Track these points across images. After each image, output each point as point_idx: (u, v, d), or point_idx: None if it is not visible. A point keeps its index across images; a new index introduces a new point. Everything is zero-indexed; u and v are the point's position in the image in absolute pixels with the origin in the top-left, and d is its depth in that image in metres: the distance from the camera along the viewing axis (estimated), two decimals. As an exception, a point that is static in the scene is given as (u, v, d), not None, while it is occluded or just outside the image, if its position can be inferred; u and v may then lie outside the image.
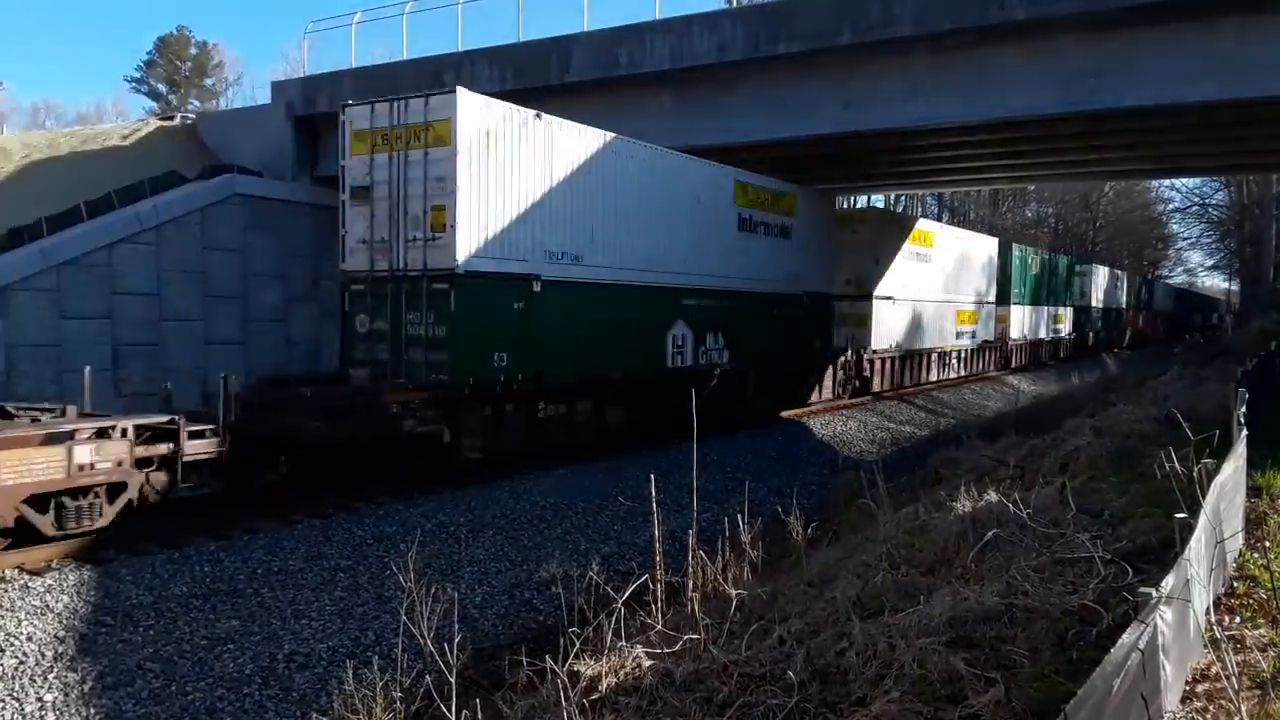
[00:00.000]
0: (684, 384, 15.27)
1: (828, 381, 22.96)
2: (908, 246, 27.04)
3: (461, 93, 13.04)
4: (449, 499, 12.06)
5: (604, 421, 15.48)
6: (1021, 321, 37.22)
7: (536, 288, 13.89)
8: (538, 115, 14.20)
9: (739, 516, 7.93)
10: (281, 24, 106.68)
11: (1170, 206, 70.02)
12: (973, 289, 31.93)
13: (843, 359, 23.72)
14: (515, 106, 14.03)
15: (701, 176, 18.03)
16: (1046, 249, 58.36)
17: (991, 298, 33.70)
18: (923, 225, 29.46)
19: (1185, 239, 72.95)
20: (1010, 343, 35.84)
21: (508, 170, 13.49)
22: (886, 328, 25.50)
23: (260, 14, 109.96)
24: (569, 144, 14.74)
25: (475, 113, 13.08)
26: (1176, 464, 6.28)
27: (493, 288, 13.15)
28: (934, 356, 28.69)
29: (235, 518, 10.30)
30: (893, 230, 26.92)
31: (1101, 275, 51.41)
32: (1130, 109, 16.00)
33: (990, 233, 50.61)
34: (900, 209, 55.72)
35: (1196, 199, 58.55)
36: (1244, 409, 9.73)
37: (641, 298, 16.09)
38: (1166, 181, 58.61)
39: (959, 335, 30.57)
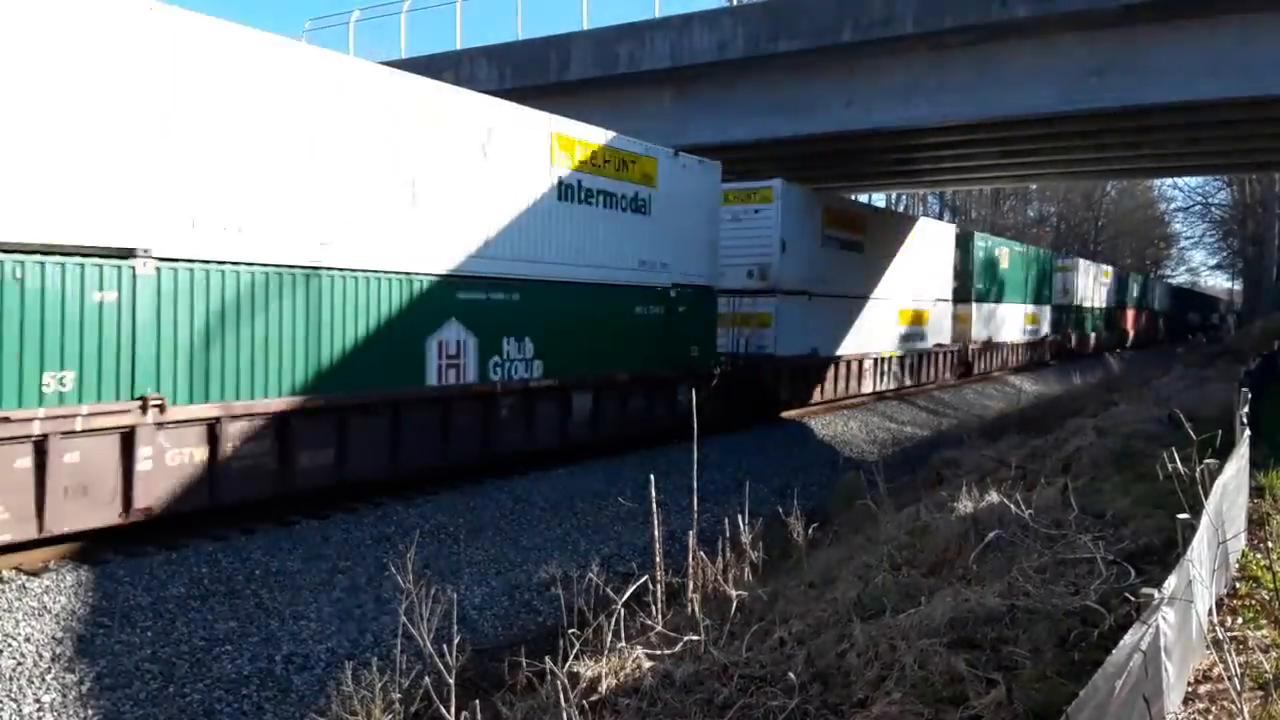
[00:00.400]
0: (465, 408, 12.65)
1: (717, 399, 17.61)
2: (831, 233, 22.52)
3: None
4: (448, 500, 12.04)
5: (291, 470, 10.48)
6: (987, 321, 32.89)
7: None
8: None
9: (739, 517, 7.90)
10: (281, 23, 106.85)
11: (1173, 205, 70.14)
12: (922, 284, 27.61)
13: (732, 368, 19.21)
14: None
15: (481, 119, 12.80)
16: (1047, 245, 58.06)
17: (948, 295, 29.63)
18: (853, 208, 25.38)
19: (1188, 238, 73.03)
20: (971, 346, 31.38)
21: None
22: (799, 329, 20.94)
23: (259, 13, 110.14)
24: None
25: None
26: (1179, 464, 6.25)
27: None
28: (867, 364, 24.27)
29: (233, 518, 10.27)
30: (809, 212, 21.73)
31: (1087, 271, 47.27)
32: (1132, 107, 16.00)
33: (993, 232, 50.17)
34: (901, 208, 55.69)
35: (1199, 198, 58.63)
36: (1247, 409, 9.71)
37: (370, 290, 11.33)
38: (1169, 180, 58.63)
39: (904, 338, 26.42)
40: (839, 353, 22.83)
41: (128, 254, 8.95)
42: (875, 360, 24.71)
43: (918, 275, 27.19)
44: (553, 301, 14.00)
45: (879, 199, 50.02)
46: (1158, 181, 66.11)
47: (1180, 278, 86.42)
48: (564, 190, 14.37)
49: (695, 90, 19.18)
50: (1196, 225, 64.97)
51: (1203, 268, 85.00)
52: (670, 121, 19.43)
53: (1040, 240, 66.75)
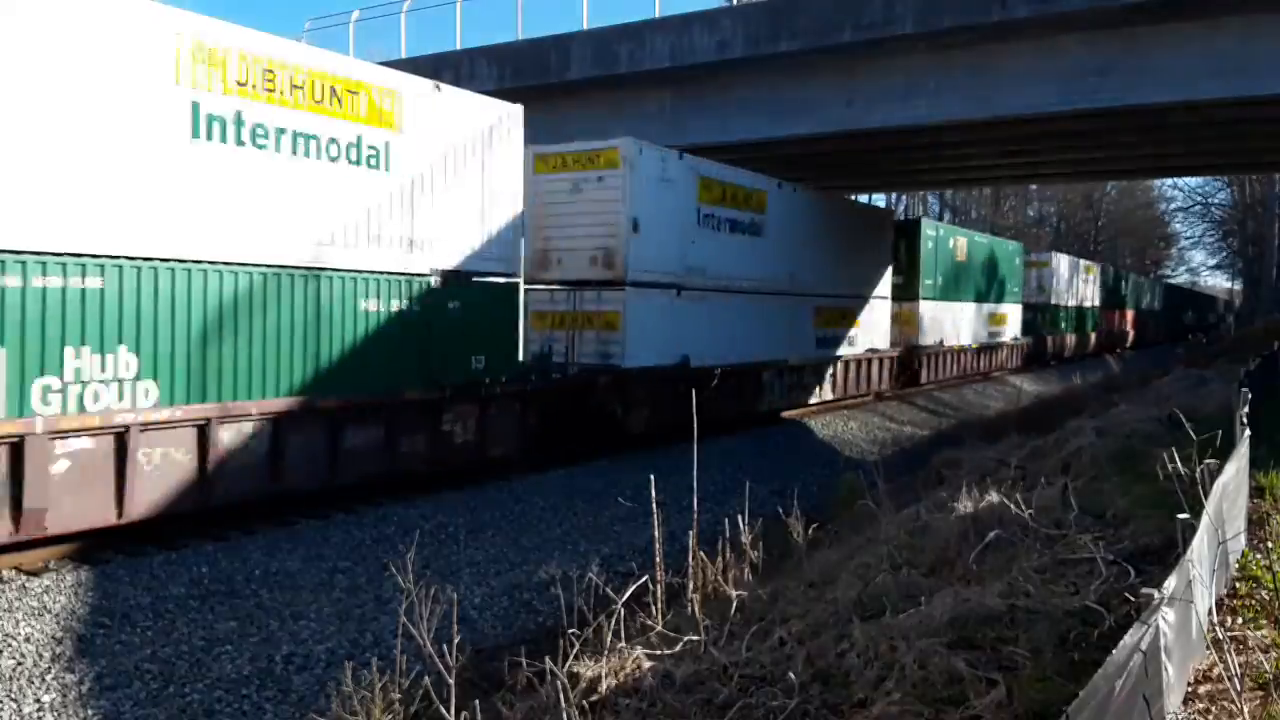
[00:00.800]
0: None
1: (508, 427, 13.22)
2: (718, 210, 17.65)
3: None
4: (448, 500, 12.04)
5: None
6: (939, 323, 28.21)
7: None
8: None
9: (739, 517, 7.90)
10: (281, 23, 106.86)
11: (1173, 206, 70.19)
12: (850, 277, 23.30)
13: (549, 384, 14.49)
14: None
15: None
16: (1047, 245, 57.36)
17: (886, 291, 25.49)
18: (747, 180, 18.94)
19: (1188, 238, 73.08)
20: (922, 352, 27.20)
21: None
22: (661, 333, 16.21)
23: (259, 13, 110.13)
24: None
25: None
26: (1179, 465, 6.25)
27: None
28: (765, 375, 19.48)
29: (234, 518, 10.27)
30: (677, 181, 16.55)
31: (1064, 266, 42.52)
32: (1133, 107, 16.00)
33: (992, 232, 49.53)
34: (902, 208, 55.67)
35: (1199, 198, 58.73)
36: (1247, 409, 9.71)
37: None
38: (1169, 181, 58.66)
39: (823, 341, 22.02)
40: (726, 362, 17.77)
41: None
42: (779, 370, 20.01)
43: (846, 266, 22.94)
44: (183, 291, 9.44)
45: (879, 199, 50.09)
46: (1158, 182, 66.19)
47: (1180, 278, 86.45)
48: (207, 124, 9.60)
49: (695, 90, 19.18)
50: (1196, 225, 65.13)
51: (1202, 268, 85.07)
52: (670, 122, 19.43)
53: (1040, 241, 66.65)
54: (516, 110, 13.44)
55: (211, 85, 9.59)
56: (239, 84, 9.83)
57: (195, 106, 9.47)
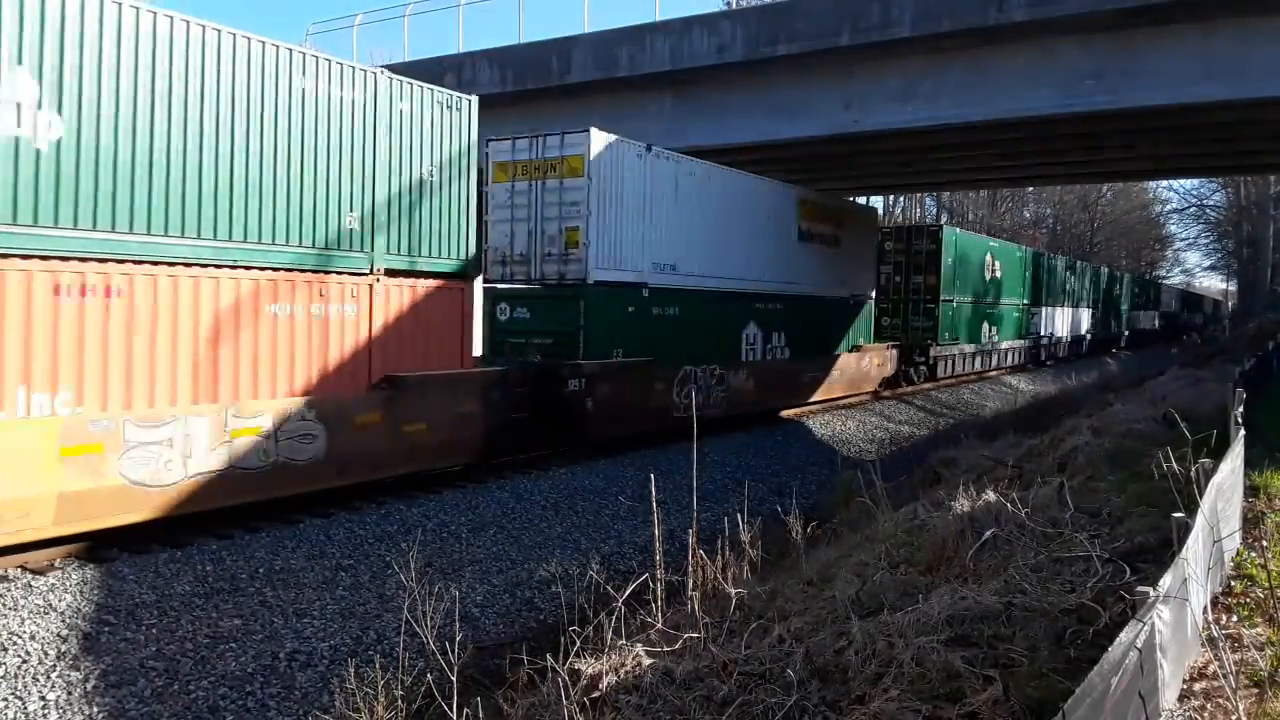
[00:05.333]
0: None
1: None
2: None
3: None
4: (450, 498, 12.09)
5: None
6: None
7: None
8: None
9: (739, 516, 7.96)
10: (282, 25, 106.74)
11: (1168, 207, 70.38)
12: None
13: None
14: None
15: None
16: (1043, 247, 55.95)
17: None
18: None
19: (1183, 240, 73.28)
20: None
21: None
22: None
23: (261, 15, 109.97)
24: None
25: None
26: (1174, 464, 6.32)
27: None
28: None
29: (237, 517, 10.32)
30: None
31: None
32: (1129, 110, 16.07)
33: (989, 233, 48.36)
34: (899, 210, 55.71)
35: (1194, 200, 58.86)
36: (1241, 409, 9.78)
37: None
38: (1164, 182, 58.81)
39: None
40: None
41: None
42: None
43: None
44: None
45: (877, 201, 50.09)
46: (1153, 184, 66.37)
47: (1175, 278, 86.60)
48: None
49: (695, 93, 19.24)
50: (1191, 227, 65.32)
51: (1197, 269, 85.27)
52: (670, 124, 19.49)
53: (1036, 243, 66.66)
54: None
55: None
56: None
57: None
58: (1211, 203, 59.10)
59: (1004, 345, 35.14)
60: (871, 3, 16.57)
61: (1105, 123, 17.70)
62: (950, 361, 29.86)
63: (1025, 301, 37.14)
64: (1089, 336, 47.03)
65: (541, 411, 14.23)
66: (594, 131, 14.98)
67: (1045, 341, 40.26)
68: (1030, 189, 67.58)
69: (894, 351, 26.64)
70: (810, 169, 25.00)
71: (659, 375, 16.42)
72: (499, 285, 15.89)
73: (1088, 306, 47.07)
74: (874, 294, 25.73)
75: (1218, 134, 19.95)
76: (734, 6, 20.04)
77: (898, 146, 20.94)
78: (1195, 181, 54.88)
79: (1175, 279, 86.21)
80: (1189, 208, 61.05)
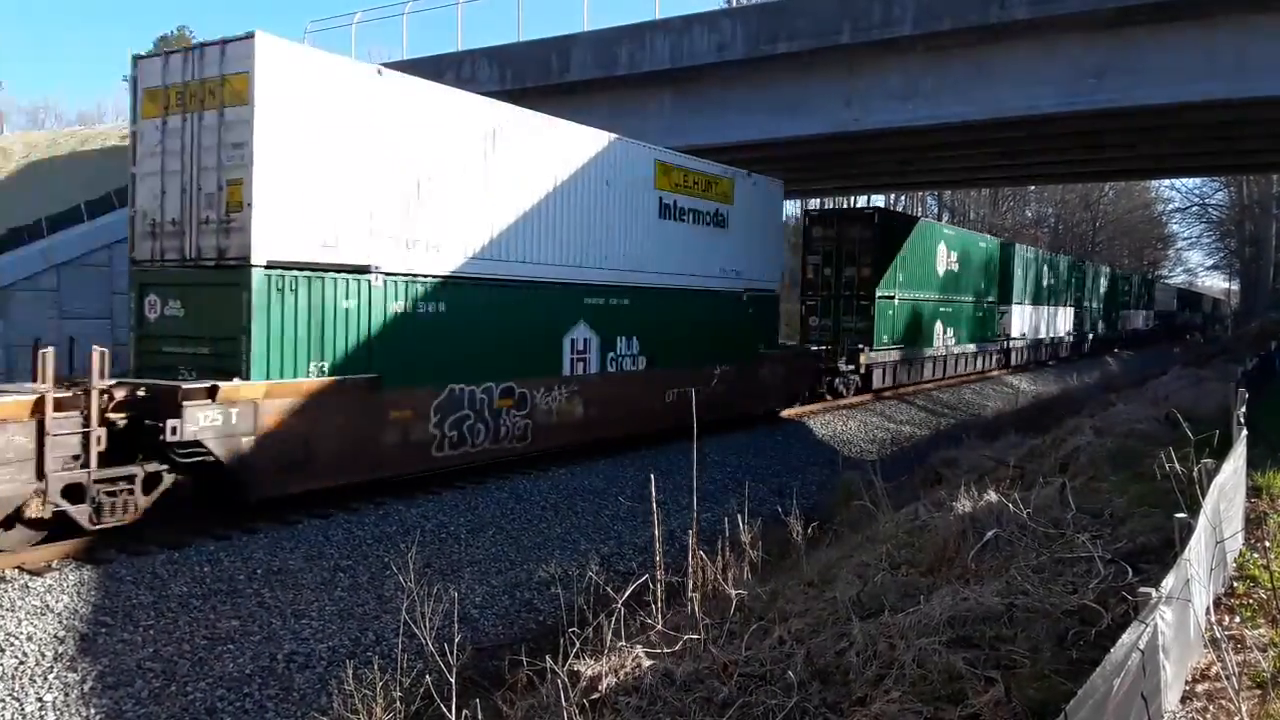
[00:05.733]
0: None
1: None
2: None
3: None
4: (449, 499, 12.06)
5: None
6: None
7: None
8: None
9: (739, 516, 7.93)
10: (282, 24, 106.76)
11: (1170, 206, 70.26)
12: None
13: None
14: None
15: None
16: (1045, 246, 54.82)
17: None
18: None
19: (1185, 239, 73.20)
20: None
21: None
22: None
23: (261, 14, 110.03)
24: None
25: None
26: (1176, 464, 6.29)
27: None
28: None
29: (235, 517, 10.29)
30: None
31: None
32: (1131, 108, 16.03)
33: (991, 233, 46.82)
34: (900, 208, 55.64)
35: (1196, 199, 58.76)
36: (1244, 409, 9.74)
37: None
38: (1166, 181, 58.73)
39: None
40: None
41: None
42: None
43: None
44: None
45: (878, 200, 50.06)
46: (1155, 182, 66.28)
47: (1178, 278, 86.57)
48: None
49: (695, 91, 19.20)
50: (1194, 226, 65.21)
51: (1199, 268, 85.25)
52: (670, 122, 19.46)
53: (1038, 242, 66.59)
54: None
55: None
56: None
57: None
58: (1214, 202, 59.06)
59: (963, 349, 29.78)
60: (872, 1, 16.53)
61: (1107, 121, 17.65)
62: (889, 370, 24.87)
63: (991, 299, 32.45)
64: (1071, 338, 42.40)
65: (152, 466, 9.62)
66: (264, 37, 10.19)
67: (1018, 344, 35.45)
68: (1032, 188, 67.52)
69: (810, 359, 21.84)
70: (811, 168, 24.96)
71: (402, 401, 11.74)
72: (146, 266, 11.05)
73: (1069, 305, 42.24)
74: (779, 287, 20.79)
75: (1220, 132, 19.90)
76: (734, 4, 19.91)
77: (899, 145, 20.90)
78: (1197, 180, 54.81)
79: (1178, 278, 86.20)
80: (1191, 206, 61.00)
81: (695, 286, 17.43)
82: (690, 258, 17.24)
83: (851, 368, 23.28)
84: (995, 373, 33.18)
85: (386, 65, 14.16)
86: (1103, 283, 49.01)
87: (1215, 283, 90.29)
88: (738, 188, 18.63)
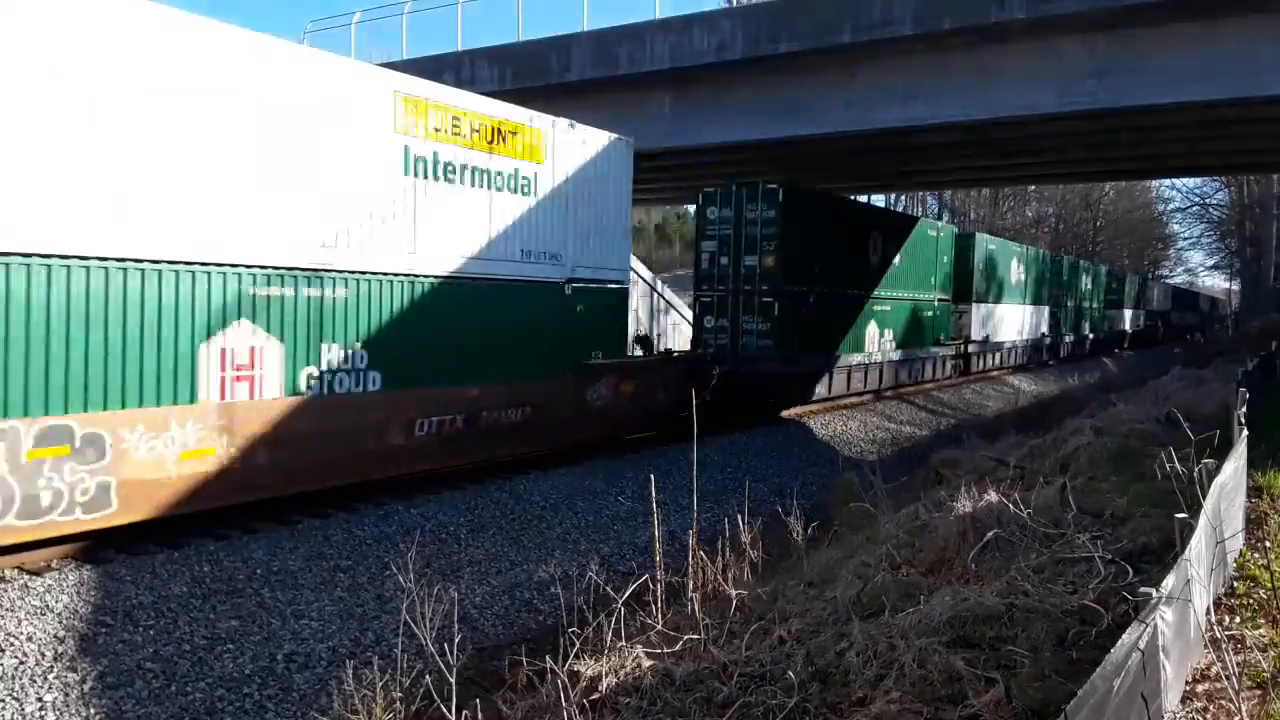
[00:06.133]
0: None
1: None
2: None
3: None
4: (449, 499, 12.06)
5: None
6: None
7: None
8: None
9: (739, 516, 7.93)
10: (282, 24, 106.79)
11: (1171, 206, 70.26)
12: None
13: None
14: None
15: None
16: (1045, 245, 52.89)
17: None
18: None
19: (1186, 239, 73.20)
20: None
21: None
22: None
23: (260, 14, 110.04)
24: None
25: None
26: (1177, 464, 6.29)
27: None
28: None
29: (235, 517, 10.28)
30: None
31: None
32: (1131, 108, 16.04)
33: (992, 233, 45.93)
34: (900, 208, 55.65)
35: (1197, 199, 58.78)
36: (1244, 409, 9.75)
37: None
38: (1167, 181, 58.73)
39: None
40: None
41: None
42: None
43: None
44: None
45: (878, 200, 50.07)
46: (1156, 182, 66.27)
47: (1178, 277, 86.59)
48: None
49: (695, 91, 19.20)
50: (1194, 226, 65.22)
51: (1200, 268, 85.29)
52: (671, 122, 19.46)
53: (1039, 242, 66.58)
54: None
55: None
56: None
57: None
58: (1214, 202, 59.09)
59: (906, 355, 25.85)
60: (873, 1, 16.54)
61: (1107, 121, 17.66)
62: (798, 380, 20.72)
63: (945, 297, 28.30)
64: (1048, 340, 38.51)
65: None
66: None
67: (979, 348, 31.05)
68: (1032, 188, 67.54)
69: (674, 371, 17.01)
70: (811, 168, 24.97)
71: None
72: None
73: (1045, 304, 38.04)
74: (629, 276, 16.23)
75: (1221, 132, 19.90)
76: (735, 4, 19.84)
77: (899, 145, 20.91)
78: (1197, 180, 54.85)
79: (1178, 278, 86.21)
80: (1191, 206, 61.05)
81: (474, 274, 12.76)
82: (466, 234, 12.65)
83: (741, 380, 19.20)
84: (946, 381, 28.77)
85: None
86: (1085, 279, 44.45)
87: (1216, 283, 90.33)
88: (554, 142, 14.04)
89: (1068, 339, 41.18)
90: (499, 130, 13.23)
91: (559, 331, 14.26)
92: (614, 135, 15.53)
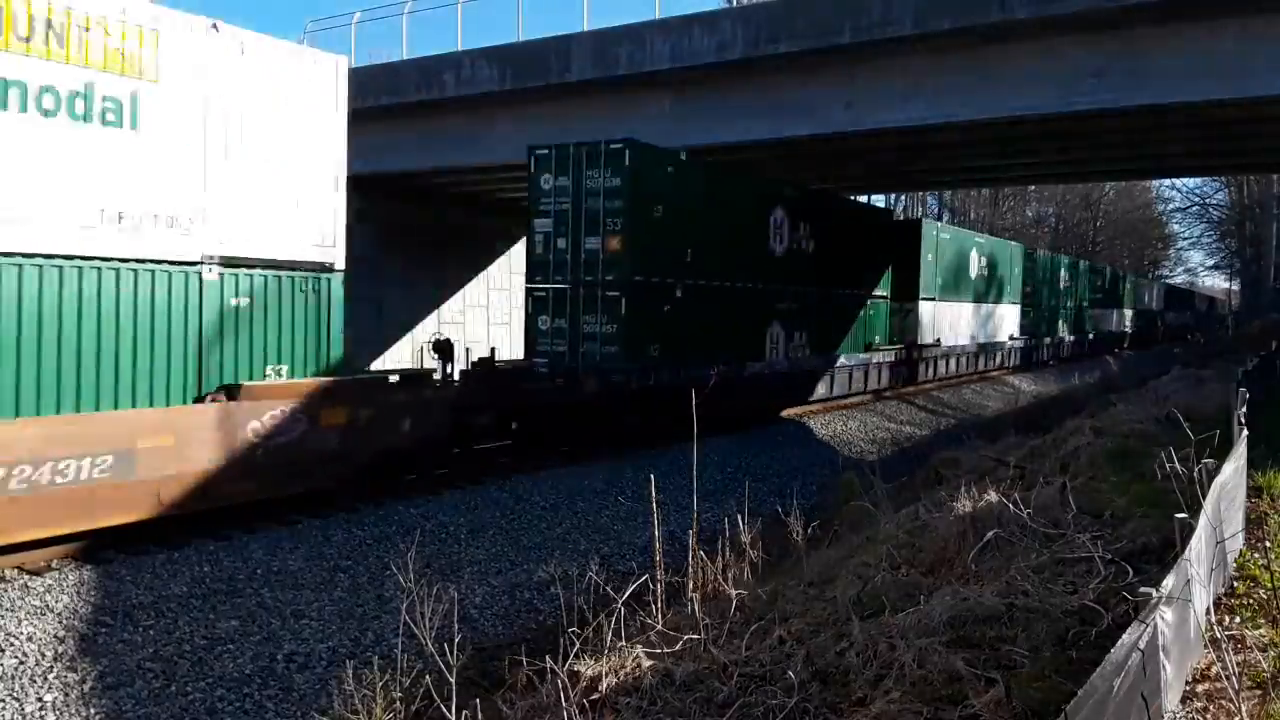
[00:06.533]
0: None
1: None
2: None
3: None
4: (449, 499, 12.06)
5: None
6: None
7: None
8: None
9: (739, 516, 7.92)
10: (282, 24, 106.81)
11: (1171, 206, 70.26)
12: None
13: None
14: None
15: None
16: (1045, 246, 51.19)
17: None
18: None
19: (1186, 239, 73.22)
20: None
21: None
22: None
23: (260, 14, 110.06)
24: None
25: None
26: (1177, 464, 6.29)
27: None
28: None
29: (235, 517, 10.28)
30: None
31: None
32: (1132, 108, 16.02)
33: (991, 233, 45.64)
34: (901, 208, 55.65)
35: (1197, 199, 58.80)
36: (1244, 409, 9.75)
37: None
38: (1167, 181, 58.72)
39: None
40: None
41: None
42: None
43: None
44: None
45: (878, 200, 50.04)
46: (1156, 182, 66.27)
47: (1178, 277, 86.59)
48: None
49: (695, 91, 19.18)
50: (1194, 226, 65.22)
51: (1200, 268, 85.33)
52: (670, 122, 19.44)
53: (1039, 241, 66.54)
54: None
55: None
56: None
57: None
58: (1214, 202, 59.10)
59: (819, 362, 21.25)
60: (873, 1, 16.52)
61: (1108, 121, 17.64)
62: (658, 398, 15.65)
63: (882, 293, 24.78)
64: (1019, 344, 34.73)
65: None
66: None
67: (932, 354, 27.20)
68: (1032, 188, 67.53)
69: (424, 397, 12.41)
70: (811, 168, 24.95)
71: None
72: None
73: (1014, 302, 34.24)
74: (341, 254, 11.63)
75: (1221, 133, 19.89)
76: (735, 4, 19.71)
77: (899, 145, 20.88)
78: (1197, 180, 54.84)
79: (1178, 278, 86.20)
80: (1191, 206, 61.07)
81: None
82: None
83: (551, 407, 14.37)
84: (886, 393, 24.92)
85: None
86: (1063, 275, 40.16)
87: (1216, 283, 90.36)
88: (177, 50, 9.84)
89: (1045, 342, 37.84)
90: (50, 21, 8.70)
91: (190, 337, 9.98)
92: (309, 49, 11.95)
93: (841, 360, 22.36)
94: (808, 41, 17.22)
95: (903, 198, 57.08)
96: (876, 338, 24.25)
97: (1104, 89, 15.73)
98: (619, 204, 15.27)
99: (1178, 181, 57.02)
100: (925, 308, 26.66)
